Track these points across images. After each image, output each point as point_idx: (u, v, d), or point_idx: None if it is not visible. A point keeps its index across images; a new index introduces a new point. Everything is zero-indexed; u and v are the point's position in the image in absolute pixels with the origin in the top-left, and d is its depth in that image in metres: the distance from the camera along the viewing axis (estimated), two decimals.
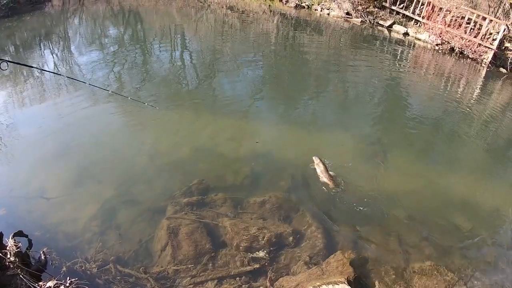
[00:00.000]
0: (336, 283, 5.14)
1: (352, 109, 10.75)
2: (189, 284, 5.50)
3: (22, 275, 4.65)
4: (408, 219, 6.74)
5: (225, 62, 13.95)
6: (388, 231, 6.50)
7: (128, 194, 7.05)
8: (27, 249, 5.63)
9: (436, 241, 6.47)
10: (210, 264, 5.80)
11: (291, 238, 6.21)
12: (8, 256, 4.89)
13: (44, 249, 5.57)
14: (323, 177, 7.37)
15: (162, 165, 7.76)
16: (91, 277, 5.42)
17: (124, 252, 5.92)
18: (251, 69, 13.28)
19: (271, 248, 6.06)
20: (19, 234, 5.68)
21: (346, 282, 5.13)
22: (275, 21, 19.32)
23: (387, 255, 6.09)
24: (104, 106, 10.05)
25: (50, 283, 4.58)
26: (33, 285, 4.57)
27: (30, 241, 5.80)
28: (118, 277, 5.49)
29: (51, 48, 15.79)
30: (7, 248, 5.04)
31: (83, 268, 5.53)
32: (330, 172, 7.45)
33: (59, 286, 4.61)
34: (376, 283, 5.62)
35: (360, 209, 6.89)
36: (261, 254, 5.95)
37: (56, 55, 15.01)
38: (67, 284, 4.66)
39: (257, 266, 5.79)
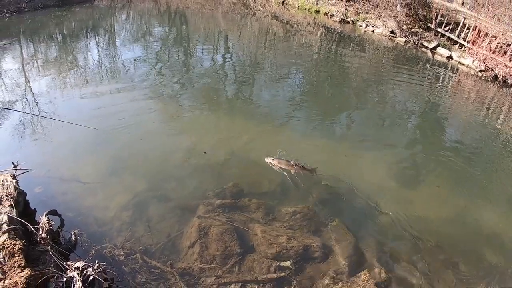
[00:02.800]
0: None
1: (388, 129, 10.59)
2: (213, 284, 5.48)
3: (52, 252, 4.69)
4: (436, 245, 6.56)
5: (266, 71, 14.04)
6: (415, 255, 6.34)
7: (161, 189, 7.13)
8: (58, 228, 5.75)
9: (461, 271, 6.28)
10: (236, 267, 5.77)
11: (318, 252, 6.12)
12: (40, 232, 4.95)
13: (76, 231, 5.67)
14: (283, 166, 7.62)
15: (198, 165, 7.84)
16: (118, 264, 5.49)
17: (152, 244, 5.98)
18: (291, 80, 13.33)
19: (298, 259, 6.00)
20: (52, 212, 5.78)
21: None
22: (318, 34, 19.35)
23: (411, 279, 5.92)
24: (146, 102, 10.31)
25: (78, 264, 4.61)
26: (61, 263, 4.60)
27: (62, 220, 5.92)
28: (144, 268, 5.53)
29: (97, 40, 16.15)
30: (40, 224, 5.10)
31: (111, 253, 5.61)
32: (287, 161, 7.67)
33: (87, 268, 4.61)
34: None
35: (389, 230, 6.79)
36: (287, 263, 5.88)
37: (101, 47, 15.33)
38: (95, 267, 4.65)
39: (282, 275, 5.73)
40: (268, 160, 7.72)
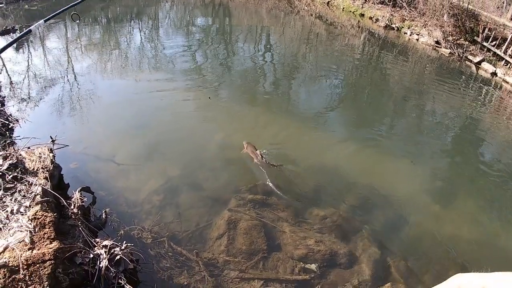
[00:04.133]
0: None
1: (425, 141, 10.18)
2: (236, 278, 5.38)
3: (82, 228, 4.69)
4: (462, 267, 6.22)
5: (305, 70, 13.86)
6: (440, 275, 6.01)
7: (194, 177, 7.11)
8: (90, 205, 5.80)
9: None
10: (261, 264, 5.66)
11: (344, 259, 5.94)
12: (72, 207, 4.97)
13: (107, 209, 5.69)
14: (249, 153, 7.63)
15: (233, 158, 7.77)
16: (144, 246, 5.48)
17: (180, 231, 5.94)
18: (330, 81, 13.09)
19: (324, 264, 5.84)
20: (85, 189, 5.83)
21: None
22: (362, 38, 18.98)
23: None
24: (184, 91, 10.37)
25: (106, 242, 4.60)
26: (89, 239, 4.60)
27: (94, 198, 5.97)
28: (170, 253, 5.49)
29: (140, 26, 16.33)
30: (72, 199, 5.13)
31: (138, 235, 5.61)
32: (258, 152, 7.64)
33: (115, 247, 4.59)
34: None
35: (417, 247, 6.50)
36: (312, 266, 5.73)
37: (144, 33, 15.49)
38: (123, 247, 4.63)
39: (306, 277, 5.58)
40: (244, 142, 7.83)
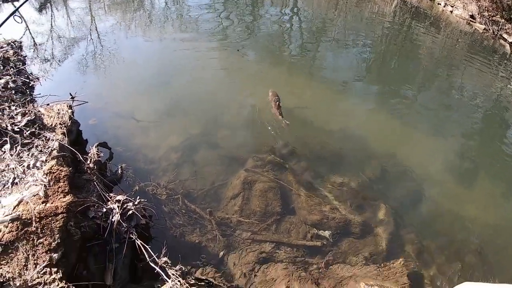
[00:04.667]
0: None
1: (452, 117, 9.54)
2: (247, 239, 5.40)
3: (96, 182, 4.72)
4: (477, 250, 5.99)
5: (332, 35, 13.10)
6: (454, 256, 5.85)
7: (213, 136, 7.03)
8: (107, 160, 5.90)
9: (498, 281, 5.73)
10: (274, 227, 5.65)
11: (358, 229, 5.87)
12: (88, 162, 4.98)
13: (123, 165, 5.71)
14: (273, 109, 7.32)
15: (253, 118, 7.59)
16: (159, 203, 5.53)
17: (195, 189, 5.95)
18: (358, 48, 12.34)
19: (337, 232, 5.78)
20: (103, 144, 5.86)
21: None
22: (393, 6, 17.72)
23: (443, 280, 5.53)
24: (208, 50, 10.03)
25: (120, 197, 4.63)
26: (103, 194, 4.63)
27: (111, 154, 6.01)
28: (183, 210, 5.53)
29: None
30: (89, 155, 5.14)
31: (153, 192, 5.64)
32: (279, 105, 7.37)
33: (128, 202, 4.63)
34: None
35: (434, 224, 6.30)
36: (326, 233, 5.68)
37: None
38: (136, 203, 4.66)
39: (318, 244, 5.55)
40: (270, 90, 7.69)
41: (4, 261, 3.56)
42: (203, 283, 4.20)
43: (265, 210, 5.77)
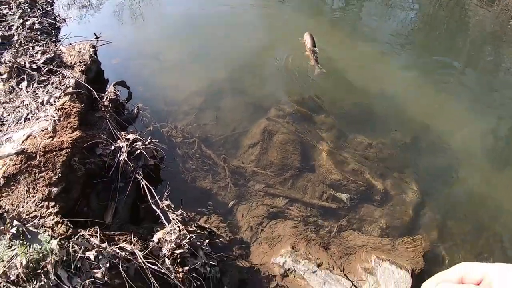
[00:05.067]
0: (400, 267, 4.53)
1: (493, 98, 8.31)
2: (260, 191, 5.17)
3: (109, 120, 4.56)
4: (506, 239, 5.49)
5: None
6: (477, 242, 5.37)
7: (239, 83, 6.68)
8: (125, 100, 5.73)
9: None
10: (290, 182, 5.37)
11: (379, 196, 5.50)
12: (104, 100, 4.83)
13: (140, 104, 5.52)
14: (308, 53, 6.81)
15: (283, 67, 7.12)
16: (173, 145, 5.35)
17: (213, 135, 5.72)
18: (404, 12, 11.21)
19: (356, 196, 5.43)
20: (121, 83, 5.70)
21: (409, 273, 4.48)
22: None
23: None
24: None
25: (130, 136, 4.47)
26: (114, 132, 4.47)
27: (130, 93, 5.86)
28: (197, 155, 5.34)
29: None
30: (105, 93, 4.99)
31: (169, 134, 5.47)
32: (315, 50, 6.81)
33: (137, 142, 4.44)
34: None
35: (461, 205, 5.74)
36: (343, 196, 5.38)
37: None
38: (146, 142, 4.47)
39: (334, 206, 5.25)
40: (307, 33, 7.11)
41: (5, 193, 3.54)
42: (204, 232, 4.00)
43: (282, 163, 5.48)
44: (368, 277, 4.42)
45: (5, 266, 3.02)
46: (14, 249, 3.15)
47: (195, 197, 4.85)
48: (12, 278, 2.98)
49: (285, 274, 4.28)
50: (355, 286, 4.28)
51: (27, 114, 4.29)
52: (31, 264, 3.05)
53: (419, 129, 6.59)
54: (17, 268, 3.01)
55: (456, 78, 8.53)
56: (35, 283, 3.02)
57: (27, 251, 3.07)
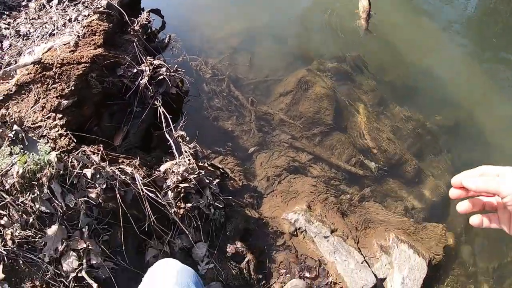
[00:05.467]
0: (418, 253, 4.10)
1: None
2: (285, 142, 4.79)
3: (136, 44, 4.22)
4: None
5: None
6: (501, 249, 4.86)
7: (282, 30, 6.15)
8: (157, 29, 5.30)
9: None
10: (318, 139, 4.95)
11: (408, 174, 5.01)
12: (135, 24, 4.47)
13: (173, 34, 5.10)
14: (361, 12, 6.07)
15: (329, 23, 6.49)
16: (200, 79, 5.00)
17: (244, 77, 5.28)
18: None
19: (384, 168, 4.96)
20: (156, 11, 5.30)
21: (426, 262, 4.05)
22: None
23: (482, 273, 4.53)
24: None
25: (156, 61, 4.07)
26: (140, 55, 4.14)
27: (163, 23, 5.44)
28: (224, 93, 4.95)
29: None
30: (137, 18, 4.62)
31: (197, 68, 5.10)
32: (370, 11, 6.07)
33: (162, 67, 4.05)
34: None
35: None
36: (372, 165, 4.93)
37: None
38: (171, 70, 4.09)
39: (360, 172, 4.81)
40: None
41: (15, 101, 3.28)
42: (216, 171, 3.65)
43: (313, 117, 5.03)
44: (383, 256, 4.02)
45: (2, 174, 2.76)
46: (13, 158, 2.89)
47: (214, 136, 4.51)
48: (6, 187, 2.72)
49: (295, 233, 3.93)
50: (366, 262, 3.89)
51: (53, 30, 4.08)
52: (27, 175, 2.78)
53: (462, 117, 5.93)
54: (13, 177, 2.74)
55: (509, 73, 7.68)
56: (28, 194, 2.77)
57: (26, 160, 2.79)
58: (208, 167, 3.48)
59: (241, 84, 5.14)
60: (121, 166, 3.06)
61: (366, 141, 5.04)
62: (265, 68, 5.46)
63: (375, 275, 3.82)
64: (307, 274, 3.71)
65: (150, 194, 2.95)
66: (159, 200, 3.01)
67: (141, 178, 2.99)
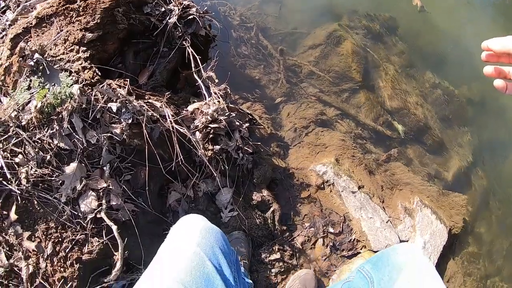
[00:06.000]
0: (440, 219, 3.95)
1: None
2: (313, 95, 4.54)
3: None
4: None
5: None
6: None
7: None
8: None
9: None
10: (346, 95, 4.69)
11: (434, 142, 4.77)
12: None
13: None
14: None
15: None
16: (228, 26, 4.68)
17: (272, 27, 4.95)
18: None
19: (412, 132, 4.73)
20: None
21: (447, 229, 3.90)
22: None
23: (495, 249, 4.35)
24: None
25: (186, 1, 3.80)
26: None
27: None
28: (253, 41, 4.68)
29: None
30: None
31: (226, 13, 4.79)
32: None
33: (192, 8, 3.79)
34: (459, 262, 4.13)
35: None
36: (400, 127, 4.69)
37: None
38: (201, 12, 3.82)
39: (388, 133, 4.59)
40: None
41: (36, 34, 3.03)
42: (246, 114, 3.45)
43: (342, 73, 4.76)
44: (406, 218, 3.86)
45: (19, 109, 2.57)
46: (32, 93, 2.68)
47: (241, 84, 4.28)
48: (23, 123, 2.53)
49: (321, 186, 3.75)
50: (391, 222, 3.73)
51: None
52: (46, 109, 2.58)
53: (489, 92, 5.54)
54: (30, 113, 2.55)
55: None
56: (46, 130, 2.57)
57: (45, 94, 2.59)
58: (239, 109, 3.27)
59: (269, 35, 4.84)
60: (149, 100, 2.85)
61: (395, 102, 4.79)
62: (293, 21, 5.12)
63: (398, 237, 3.68)
64: (330, 229, 3.55)
65: (181, 130, 2.75)
66: (189, 137, 2.81)
67: (172, 114, 2.79)
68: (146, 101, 2.81)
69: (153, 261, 1.71)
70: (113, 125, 2.73)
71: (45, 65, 2.79)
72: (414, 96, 4.98)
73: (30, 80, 2.72)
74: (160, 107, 2.76)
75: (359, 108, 4.64)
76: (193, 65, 3.46)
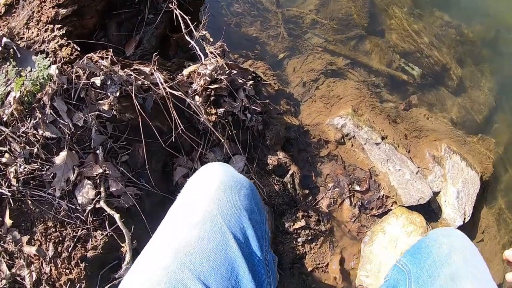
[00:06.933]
0: (470, 166, 3.55)
1: None
2: (318, 46, 4.08)
3: None
4: None
5: None
6: None
7: None
8: None
9: None
10: (354, 42, 4.24)
11: (453, 82, 4.29)
12: None
13: None
14: None
15: None
16: None
17: None
18: None
19: (428, 75, 4.27)
20: None
21: (479, 176, 3.50)
22: None
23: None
24: None
25: None
26: None
27: None
28: None
29: None
30: None
31: None
32: None
33: None
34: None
35: None
36: (414, 70, 4.24)
37: None
38: None
39: (404, 77, 4.15)
40: None
41: (5, 22, 2.72)
42: (249, 71, 3.05)
43: (347, 20, 4.28)
44: (436, 167, 3.46)
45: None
46: (9, 84, 2.36)
47: (239, 43, 3.85)
48: (4, 119, 2.24)
49: (341, 140, 3.36)
50: (420, 173, 3.35)
51: None
52: (26, 98, 2.26)
53: (503, 31, 4.85)
54: (10, 106, 2.22)
55: None
56: (29, 121, 2.24)
57: (23, 82, 2.25)
58: (240, 66, 2.86)
59: None
60: (136, 67, 2.46)
61: (407, 45, 4.34)
62: None
63: (430, 188, 3.30)
64: (356, 188, 3.18)
65: (176, 94, 2.36)
66: (188, 102, 2.43)
67: (165, 79, 2.40)
68: (133, 68, 2.42)
69: (156, 235, 1.34)
70: (100, 101, 2.37)
71: (15, 48, 2.44)
72: (426, 37, 4.51)
73: (7, 72, 2.38)
74: (151, 73, 2.37)
75: (369, 55, 4.20)
76: (183, 27, 3.04)
